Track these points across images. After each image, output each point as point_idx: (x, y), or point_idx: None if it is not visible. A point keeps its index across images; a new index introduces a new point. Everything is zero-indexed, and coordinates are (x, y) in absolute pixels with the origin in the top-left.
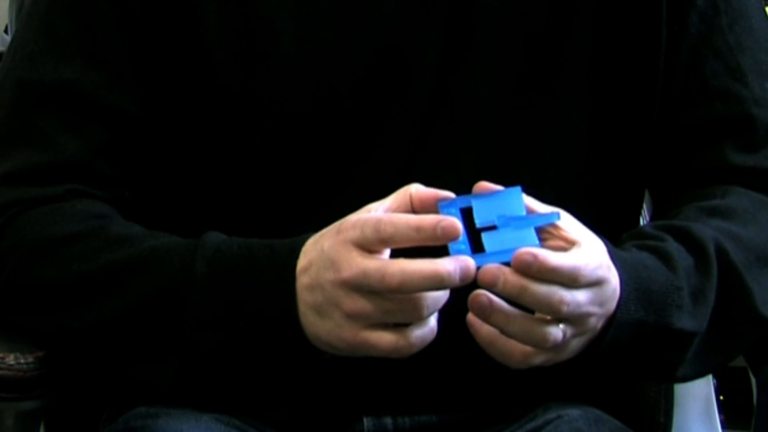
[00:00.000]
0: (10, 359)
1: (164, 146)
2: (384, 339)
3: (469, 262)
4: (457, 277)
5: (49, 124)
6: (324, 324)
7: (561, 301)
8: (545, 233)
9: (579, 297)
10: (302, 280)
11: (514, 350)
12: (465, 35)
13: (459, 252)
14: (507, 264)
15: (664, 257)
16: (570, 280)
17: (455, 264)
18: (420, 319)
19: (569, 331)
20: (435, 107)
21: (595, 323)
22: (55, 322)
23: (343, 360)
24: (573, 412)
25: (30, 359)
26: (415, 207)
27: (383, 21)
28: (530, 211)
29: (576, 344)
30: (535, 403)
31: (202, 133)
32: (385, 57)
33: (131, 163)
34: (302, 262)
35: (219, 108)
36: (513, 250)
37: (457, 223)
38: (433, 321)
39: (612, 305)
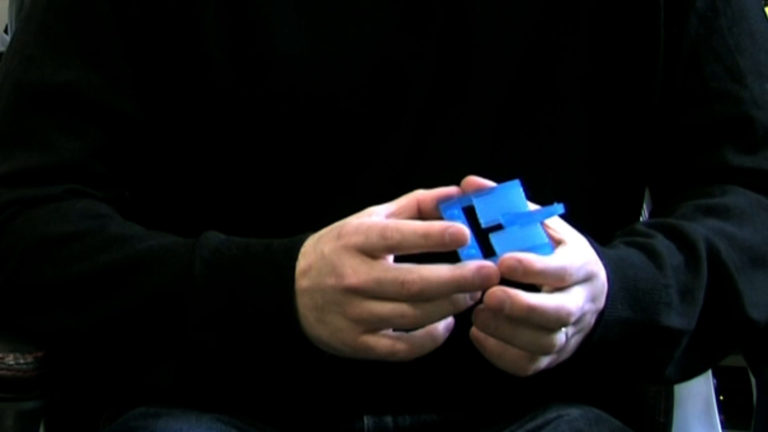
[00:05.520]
0: (10, 359)
1: (163, 147)
2: (383, 343)
3: (489, 268)
4: (477, 282)
5: (47, 126)
6: (325, 327)
7: (569, 314)
8: None
9: (580, 301)
10: (301, 282)
11: (522, 359)
12: (461, 42)
13: (470, 256)
14: None
15: (652, 254)
16: (557, 279)
17: (474, 270)
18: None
19: (570, 330)
20: (432, 112)
21: (590, 319)
22: (54, 322)
23: (343, 359)
24: (573, 412)
25: (29, 359)
26: (420, 211)
27: (380, 27)
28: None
29: (574, 342)
30: (535, 403)
31: (200, 136)
32: (382, 63)
33: (130, 164)
34: (301, 264)
35: (217, 110)
36: (523, 250)
37: (465, 229)
38: (437, 329)
39: (602, 300)
